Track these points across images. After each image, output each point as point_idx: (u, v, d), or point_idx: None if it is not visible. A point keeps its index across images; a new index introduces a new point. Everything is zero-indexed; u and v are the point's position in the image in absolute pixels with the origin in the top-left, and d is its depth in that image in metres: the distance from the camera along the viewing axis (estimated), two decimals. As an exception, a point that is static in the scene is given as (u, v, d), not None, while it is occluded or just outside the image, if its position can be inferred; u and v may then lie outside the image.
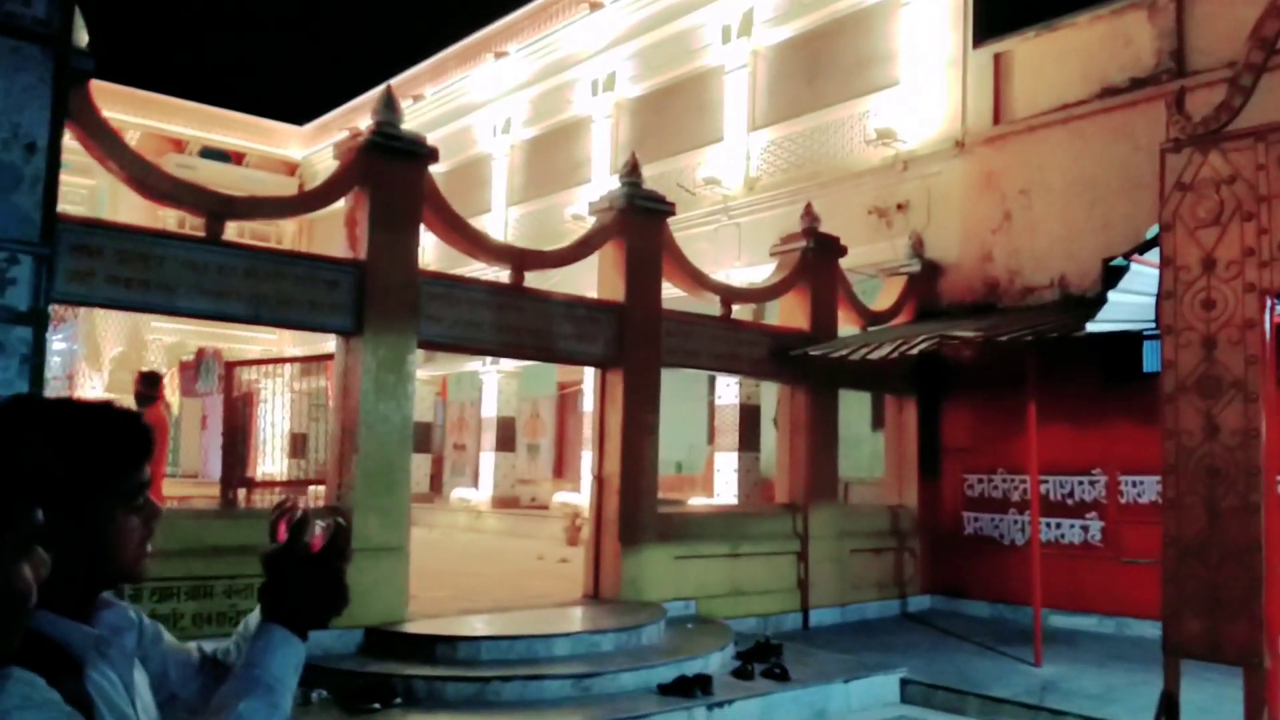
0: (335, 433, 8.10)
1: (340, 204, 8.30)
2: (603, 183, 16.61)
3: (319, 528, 1.44)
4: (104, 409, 1.39)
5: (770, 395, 13.12)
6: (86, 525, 1.30)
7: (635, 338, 9.58)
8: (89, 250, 6.63)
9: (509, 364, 18.21)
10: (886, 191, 13.09)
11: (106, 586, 1.37)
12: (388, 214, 8.03)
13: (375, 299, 7.84)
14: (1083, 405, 10.43)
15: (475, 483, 19.62)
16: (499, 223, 20.13)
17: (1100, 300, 7.67)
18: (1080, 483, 10.62)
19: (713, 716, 6.91)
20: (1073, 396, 10.35)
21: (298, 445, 23.54)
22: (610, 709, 6.65)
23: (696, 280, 10.57)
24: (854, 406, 12.33)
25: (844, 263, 11.66)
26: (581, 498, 15.40)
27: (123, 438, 1.36)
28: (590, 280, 10.18)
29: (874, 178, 13.26)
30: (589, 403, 15.25)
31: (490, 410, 19.21)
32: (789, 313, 11.34)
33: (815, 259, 11.23)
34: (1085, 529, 10.58)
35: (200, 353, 14.62)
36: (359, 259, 7.90)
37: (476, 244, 9.42)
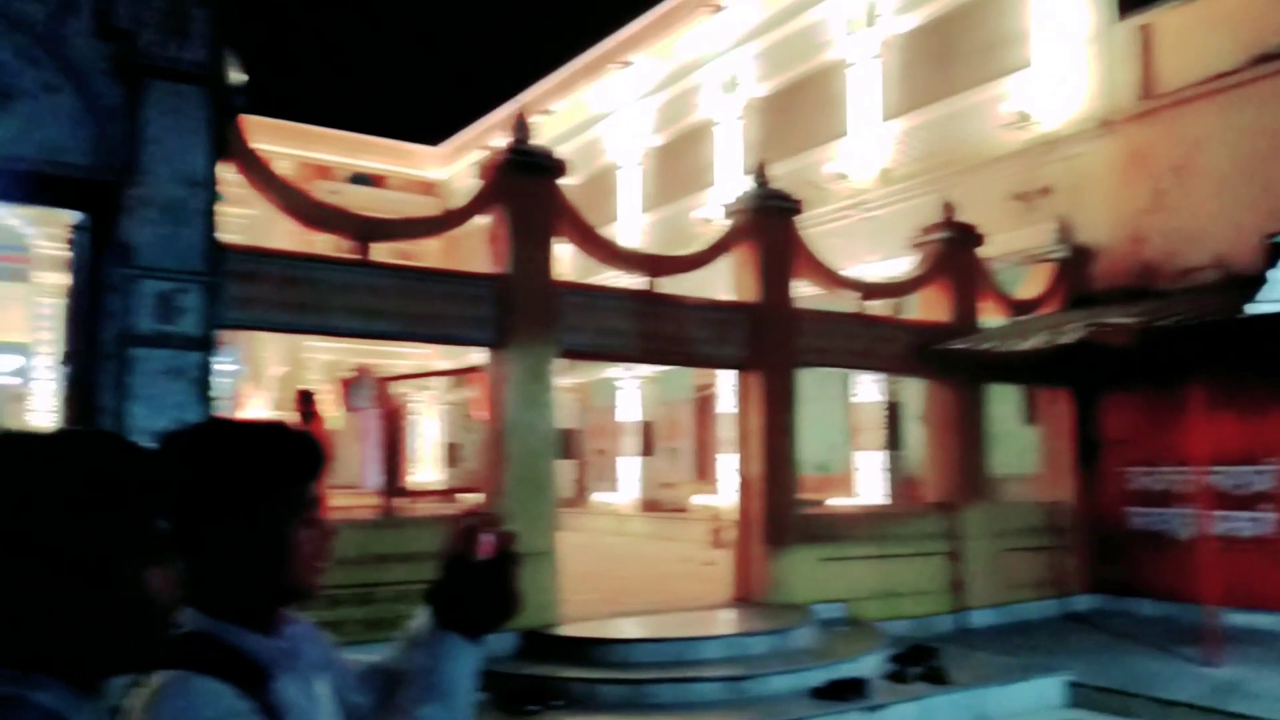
0: (486, 441, 8.34)
1: (476, 220, 8.54)
2: (730, 184, 16.57)
3: (489, 535, 1.47)
4: (279, 428, 1.46)
5: (912, 391, 12.82)
6: (264, 537, 1.36)
7: (771, 338, 9.53)
8: (250, 277, 7.01)
9: (646, 369, 18.34)
10: (1027, 175, 12.64)
11: (286, 601, 1.41)
12: (525, 228, 8.24)
13: (517, 311, 8.05)
14: (1252, 391, 9.82)
15: (615, 487, 19.86)
16: (631, 230, 20.33)
17: (1260, 280, 7.22)
18: (1252, 473, 10.02)
19: None
20: (1240, 382, 9.75)
21: (453, 454, 24.37)
22: (765, 712, 6.63)
23: (831, 277, 10.42)
24: (1003, 400, 11.90)
25: (985, 251, 11.30)
26: (720, 500, 15.38)
27: (296, 454, 1.42)
28: (717, 283, 10.17)
29: (1013, 162, 12.82)
30: (725, 405, 15.23)
31: (628, 415, 19.40)
32: (929, 306, 11.05)
33: (954, 249, 10.94)
34: (1258, 521, 9.97)
35: (360, 370, 15.52)
36: (500, 273, 8.12)
37: (610, 252, 9.55)
